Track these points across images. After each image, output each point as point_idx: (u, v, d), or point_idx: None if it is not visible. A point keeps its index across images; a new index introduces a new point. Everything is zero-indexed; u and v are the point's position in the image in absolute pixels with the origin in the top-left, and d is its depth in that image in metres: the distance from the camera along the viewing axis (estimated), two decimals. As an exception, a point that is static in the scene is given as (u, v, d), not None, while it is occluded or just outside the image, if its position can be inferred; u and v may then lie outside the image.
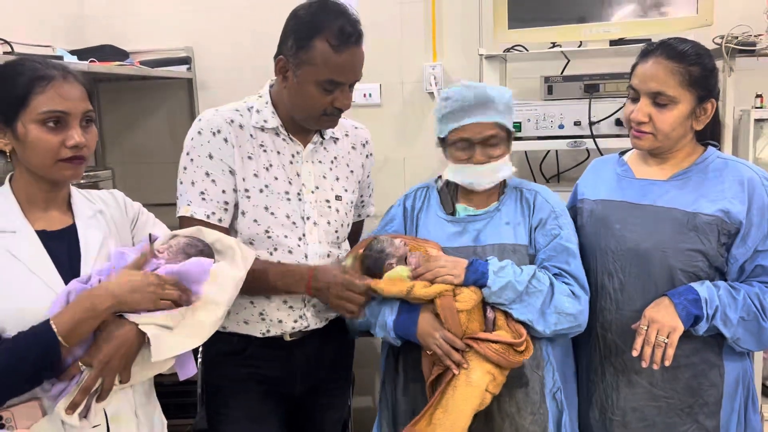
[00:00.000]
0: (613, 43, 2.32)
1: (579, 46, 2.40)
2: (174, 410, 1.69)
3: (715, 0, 2.19)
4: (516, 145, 2.41)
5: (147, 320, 1.34)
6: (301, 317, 1.71)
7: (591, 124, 2.31)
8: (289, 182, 1.69)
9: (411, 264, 1.61)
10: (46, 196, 1.39)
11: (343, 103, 1.63)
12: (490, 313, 1.58)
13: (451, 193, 1.76)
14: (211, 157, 1.64)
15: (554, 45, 2.43)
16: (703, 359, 1.59)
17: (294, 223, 1.69)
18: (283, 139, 1.71)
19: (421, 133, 2.79)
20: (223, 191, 1.65)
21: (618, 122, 2.29)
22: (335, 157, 1.79)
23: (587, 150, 2.43)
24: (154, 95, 2.91)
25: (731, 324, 1.51)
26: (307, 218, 1.70)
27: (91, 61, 2.41)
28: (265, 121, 1.68)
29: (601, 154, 2.03)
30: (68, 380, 1.30)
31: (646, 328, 1.50)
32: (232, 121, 1.66)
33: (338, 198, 1.76)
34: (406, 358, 1.69)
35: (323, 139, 1.76)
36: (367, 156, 1.89)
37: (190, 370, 1.45)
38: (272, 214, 1.67)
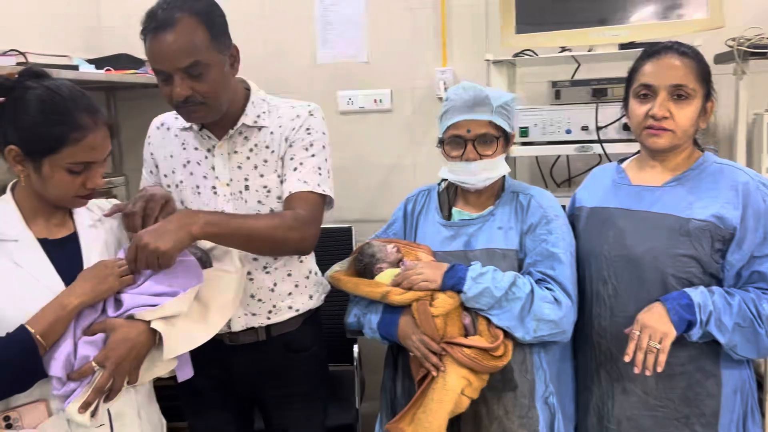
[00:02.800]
0: (622, 46, 2.29)
1: (589, 50, 2.37)
2: (173, 412, 1.72)
3: (726, 2, 2.15)
4: (522, 150, 2.43)
5: (157, 314, 1.38)
6: None
7: (598, 128, 2.28)
8: (204, 177, 1.72)
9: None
10: (50, 209, 1.44)
11: (177, 94, 1.55)
12: (465, 319, 1.58)
13: (449, 197, 1.77)
14: (144, 159, 1.84)
15: (564, 49, 2.41)
16: (699, 368, 1.56)
17: None
18: (201, 136, 1.73)
19: (431, 138, 2.78)
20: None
21: (626, 127, 2.26)
22: (256, 144, 1.70)
23: (599, 155, 2.40)
24: (170, 103, 2.95)
25: (726, 330, 1.48)
26: (222, 211, 1.67)
27: (107, 70, 2.47)
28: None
29: (609, 159, 2.01)
30: (80, 380, 1.33)
31: (638, 333, 1.48)
32: (162, 124, 1.81)
33: (247, 188, 1.69)
34: (404, 357, 1.70)
35: (232, 130, 1.69)
36: (294, 129, 1.69)
37: (188, 372, 1.50)
38: (186, 208, 1.73)
